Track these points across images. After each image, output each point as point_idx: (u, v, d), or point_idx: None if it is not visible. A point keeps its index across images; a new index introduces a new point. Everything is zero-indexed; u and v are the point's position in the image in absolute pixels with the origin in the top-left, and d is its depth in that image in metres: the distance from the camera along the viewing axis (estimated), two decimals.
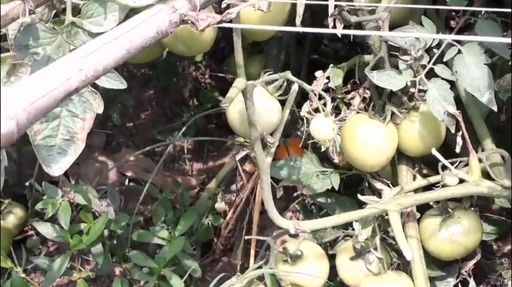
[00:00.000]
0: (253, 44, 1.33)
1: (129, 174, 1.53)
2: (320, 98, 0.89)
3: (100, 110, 0.69)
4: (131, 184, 1.55)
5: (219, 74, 1.64)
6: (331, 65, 0.98)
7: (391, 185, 0.96)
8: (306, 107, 0.92)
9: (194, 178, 1.59)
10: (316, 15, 1.16)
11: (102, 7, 0.67)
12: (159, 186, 1.38)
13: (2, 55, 0.39)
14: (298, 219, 1.47)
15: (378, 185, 0.96)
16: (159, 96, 1.69)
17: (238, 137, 1.70)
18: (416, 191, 0.96)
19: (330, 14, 0.89)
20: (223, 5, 0.67)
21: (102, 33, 0.67)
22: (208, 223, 1.29)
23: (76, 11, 0.70)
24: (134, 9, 0.65)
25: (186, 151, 1.60)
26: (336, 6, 0.89)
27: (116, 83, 0.70)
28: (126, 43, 0.57)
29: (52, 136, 0.68)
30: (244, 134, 0.92)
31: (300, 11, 0.74)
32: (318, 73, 0.93)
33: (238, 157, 1.16)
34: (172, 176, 1.50)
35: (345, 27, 0.90)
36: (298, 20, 0.74)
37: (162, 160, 1.28)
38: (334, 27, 0.90)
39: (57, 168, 0.68)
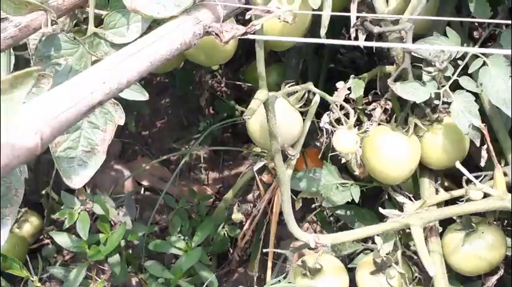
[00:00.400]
0: (270, 53, 1.32)
1: (144, 183, 1.52)
2: (341, 109, 0.88)
3: (121, 122, 0.69)
4: (146, 192, 1.54)
5: (236, 83, 1.63)
6: (352, 75, 0.96)
7: (413, 199, 0.94)
8: (325, 117, 0.91)
9: (210, 187, 1.58)
10: (334, 24, 1.15)
11: (124, 18, 0.66)
12: (175, 195, 1.38)
13: (28, 69, 0.39)
14: (315, 230, 1.46)
15: (400, 198, 0.94)
16: (175, 105, 1.69)
17: (254, 146, 1.70)
18: (438, 204, 0.94)
19: (352, 25, 0.88)
20: (247, 16, 0.66)
21: (124, 44, 0.67)
22: (224, 234, 1.28)
23: (97, 21, 0.69)
24: (157, 20, 0.64)
25: (202, 160, 1.59)
26: (358, 16, 0.88)
27: (138, 94, 0.69)
28: (150, 55, 0.56)
29: (73, 148, 0.67)
30: (265, 145, 0.90)
31: (325, 22, 0.73)
32: (340, 84, 0.91)
33: (255, 168, 1.14)
34: (188, 185, 1.49)
35: (367, 37, 0.88)
36: (323, 32, 0.73)
37: (178, 169, 1.27)
38: (356, 37, 0.89)
39: (78, 180, 0.67)
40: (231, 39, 0.62)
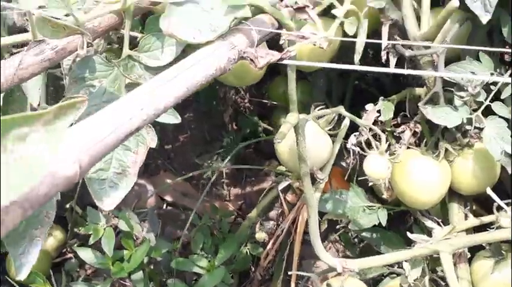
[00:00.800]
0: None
1: (167, 198, 1.52)
2: (370, 131, 0.87)
3: (153, 144, 0.69)
4: (169, 207, 1.54)
5: (262, 101, 1.63)
6: (381, 97, 0.95)
7: (441, 224, 0.93)
8: (352, 139, 0.90)
9: (232, 203, 1.58)
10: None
11: (159, 41, 0.66)
12: (197, 211, 1.37)
13: (72, 100, 0.39)
14: (337, 249, 1.44)
15: (428, 223, 0.93)
16: (198, 120, 1.69)
17: (277, 163, 1.69)
18: (467, 230, 0.92)
19: (383, 48, 0.88)
20: (281, 41, 0.66)
21: (159, 67, 0.67)
22: (246, 252, 1.27)
23: (132, 44, 0.70)
24: (191, 44, 0.64)
25: (224, 176, 1.59)
26: (389, 39, 0.87)
27: (171, 117, 0.69)
28: (187, 81, 0.56)
29: (104, 169, 0.67)
30: (293, 168, 0.90)
31: (359, 49, 0.72)
32: (369, 106, 0.91)
33: (280, 187, 1.14)
34: (210, 201, 1.49)
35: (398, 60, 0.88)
36: (357, 58, 0.73)
37: (208, 187, 1.26)
38: (387, 60, 0.89)
39: (108, 202, 0.67)
40: (265, 65, 0.61)
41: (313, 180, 0.85)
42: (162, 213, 1.49)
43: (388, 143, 0.94)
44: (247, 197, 1.60)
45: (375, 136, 0.87)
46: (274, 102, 1.54)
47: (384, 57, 0.87)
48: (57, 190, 0.44)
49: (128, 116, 0.50)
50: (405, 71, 0.75)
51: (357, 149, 0.91)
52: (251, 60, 0.61)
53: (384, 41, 0.86)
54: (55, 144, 0.39)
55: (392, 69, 0.80)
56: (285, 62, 0.62)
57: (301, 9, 0.62)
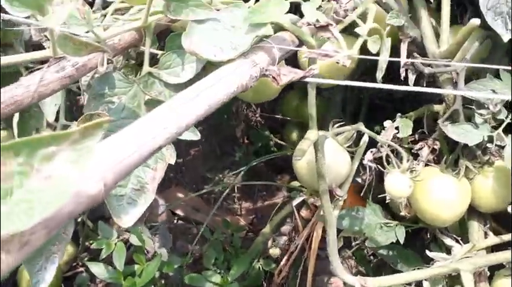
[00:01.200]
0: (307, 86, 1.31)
1: (178, 212, 1.51)
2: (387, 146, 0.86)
3: (172, 161, 0.68)
4: (180, 221, 1.53)
5: (273, 115, 1.63)
6: (398, 114, 0.94)
7: (461, 242, 0.91)
8: (369, 155, 0.89)
9: (243, 218, 1.57)
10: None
11: (180, 58, 0.66)
12: (209, 225, 1.36)
13: (98, 120, 0.38)
14: (349, 265, 1.43)
15: (448, 241, 0.91)
16: (209, 134, 1.69)
17: (290, 178, 1.68)
18: (487, 248, 0.91)
19: (402, 65, 0.87)
20: (303, 59, 0.65)
21: (179, 84, 0.66)
22: (259, 268, 1.26)
23: (151, 61, 0.69)
24: (212, 61, 0.63)
25: (235, 190, 1.58)
26: (408, 56, 0.87)
27: (191, 134, 0.69)
28: (209, 99, 0.56)
29: (122, 186, 0.67)
30: (311, 185, 0.89)
31: (382, 66, 0.71)
32: (387, 123, 0.90)
33: (294, 203, 1.13)
34: (221, 215, 1.48)
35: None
36: (379, 75, 0.72)
37: (219, 203, 1.25)
38: (406, 77, 0.88)
39: (127, 219, 0.66)
40: (287, 83, 0.61)
41: (331, 197, 0.84)
42: (173, 227, 1.48)
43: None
44: (258, 212, 1.59)
45: (393, 152, 0.86)
46: (286, 117, 1.54)
47: (402, 75, 0.87)
48: (82, 208, 0.43)
49: (151, 135, 0.50)
50: (426, 89, 0.75)
51: (373, 165, 0.90)
52: (273, 78, 0.61)
53: (403, 58, 0.86)
54: (82, 163, 0.39)
55: (413, 87, 0.79)
56: (307, 79, 0.62)
57: (324, 28, 0.61)
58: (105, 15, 0.72)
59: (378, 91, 1.53)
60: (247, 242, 1.46)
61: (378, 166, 0.89)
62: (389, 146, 0.79)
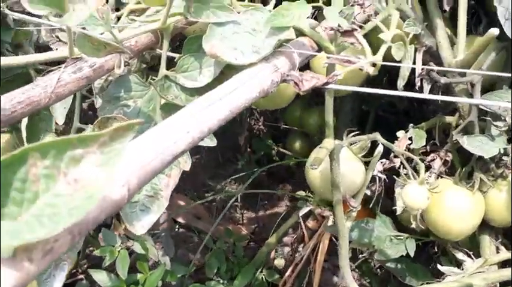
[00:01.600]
0: (312, 95, 1.30)
1: (180, 220, 1.49)
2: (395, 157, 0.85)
3: (187, 167, 0.66)
4: (181, 229, 1.51)
5: (276, 124, 1.61)
6: (411, 125, 0.93)
7: (473, 257, 0.90)
8: (379, 166, 0.88)
9: (245, 227, 1.55)
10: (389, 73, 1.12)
11: (197, 61, 0.64)
12: (211, 233, 1.34)
13: (129, 122, 0.36)
14: (353, 277, 1.41)
15: (459, 255, 0.90)
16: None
17: (289, 186, 1.67)
18: (498, 263, 0.89)
19: (417, 74, 0.86)
20: (323, 65, 0.64)
21: (195, 88, 0.65)
22: (262, 278, 1.24)
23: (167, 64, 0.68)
24: (230, 65, 0.62)
25: (238, 199, 1.56)
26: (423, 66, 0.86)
27: (207, 140, 0.67)
28: (231, 104, 0.54)
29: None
30: (324, 194, 0.87)
31: (405, 75, 0.70)
32: (400, 133, 0.89)
33: (301, 213, 1.11)
34: (223, 223, 1.46)
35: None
36: (401, 84, 0.71)
37: (223, 212, 1.23)
38: (421, 86, 0.87)
39: (139, 226, 0.64)
40: (310, 89, 0.59)
41: (344, 207, 0.82)
42: (174, 235, 1.46)
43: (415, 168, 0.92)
44: (260, 221, 1.57)
45: (405, 164, 0.85)
46: (289, 127, 1.53)
47: (417, 84, 0.85)
48: (106, 214, 0.41)
49: (173, 139, 0.48)
50: (445, 98, 0.74)
51: (383, 176, 0.89)
52: (295, 83, 0.59)
53: (418, 67, 0.85)
54: (111, 167, 0.37)
55: (428, 95, 0.77)
56: (329, 86, 0.60)
57: (348, 33, 0.60)
58: (118, 18, 0.70)
59: (386, 101, 1.52)
60: (249, 251, 1.43)
61: (388, 177, 0.88)
62: (404, 156, 0.78)
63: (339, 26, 0.62)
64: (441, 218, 0.85)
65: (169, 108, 0.65)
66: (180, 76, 0.64)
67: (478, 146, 0.81)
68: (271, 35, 0.61)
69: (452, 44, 0.89)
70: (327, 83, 0.59)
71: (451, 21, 0.93)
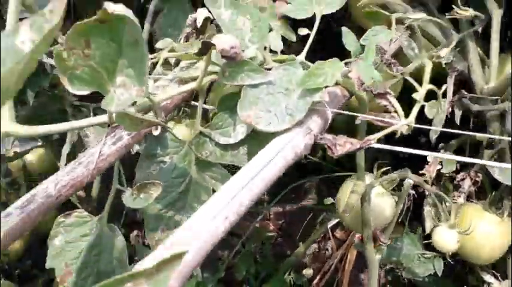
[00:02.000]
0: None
1: None
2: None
3: None
4: None
5: None
6: (441, 144, 0.93)
7: (500, 278, 0.91)
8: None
9: (272, 222, 1.57)
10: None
11: (231, 118, 0.64)
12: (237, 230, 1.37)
13: (175, 253, 0.38)
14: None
15: (487, 277, 0.91)
16: None
17: (317, 179, 1.67)
18: None
19: (448, 101, 0.85)
20: (357, 122, 0.64)
21: (228, 145, 0.65)
22: (290, 281, 1.27)
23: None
24: None
25: (264, 194, 1.57)
26: (455, 92, 0.85)
27: None
28: (267, 177, 0.55)
29: None
30: (355, 228, 0.88)
31: (438, 127, 0.70)
32: (430, 157, 0.88)
33: (330, 225, 1.13)
34: (250, 219, 1.48)
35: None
36: (433, 136, 0.70)
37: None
38: (452, 112, 0.86)
39: None
40: (342, 154, 0.60)
41: (374, 241, 0.83)
42: None
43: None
44: (287, 216, 1.59)
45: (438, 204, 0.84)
46: None
47: (448, 111, 0.85)
48: None
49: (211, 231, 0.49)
50: (473, 134, 0.73)
51: (413, 192, 0.89)
52: (328, 147, 0.60)
53: (449, 93, 0.84)
54: None
55: (463, 132, 0.77)
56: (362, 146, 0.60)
57: (381, 95, 0.60)
58: (154, 64, 0.71)
59: None
60: (277, 248, 1.46)
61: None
62: (437, 195, 0.78)
63: (373, 87, 0.62)
64: (470, 246, 0.86)
65: (204, 164, 0.66)
66: (214, 133, 0.65)
67: (509, 176, 0.81)
68: (305, 95, 0.61)
69: (483, 63, 0.88)
70: (360, 148, 0.59)
71: (483, 39, 0.91)
